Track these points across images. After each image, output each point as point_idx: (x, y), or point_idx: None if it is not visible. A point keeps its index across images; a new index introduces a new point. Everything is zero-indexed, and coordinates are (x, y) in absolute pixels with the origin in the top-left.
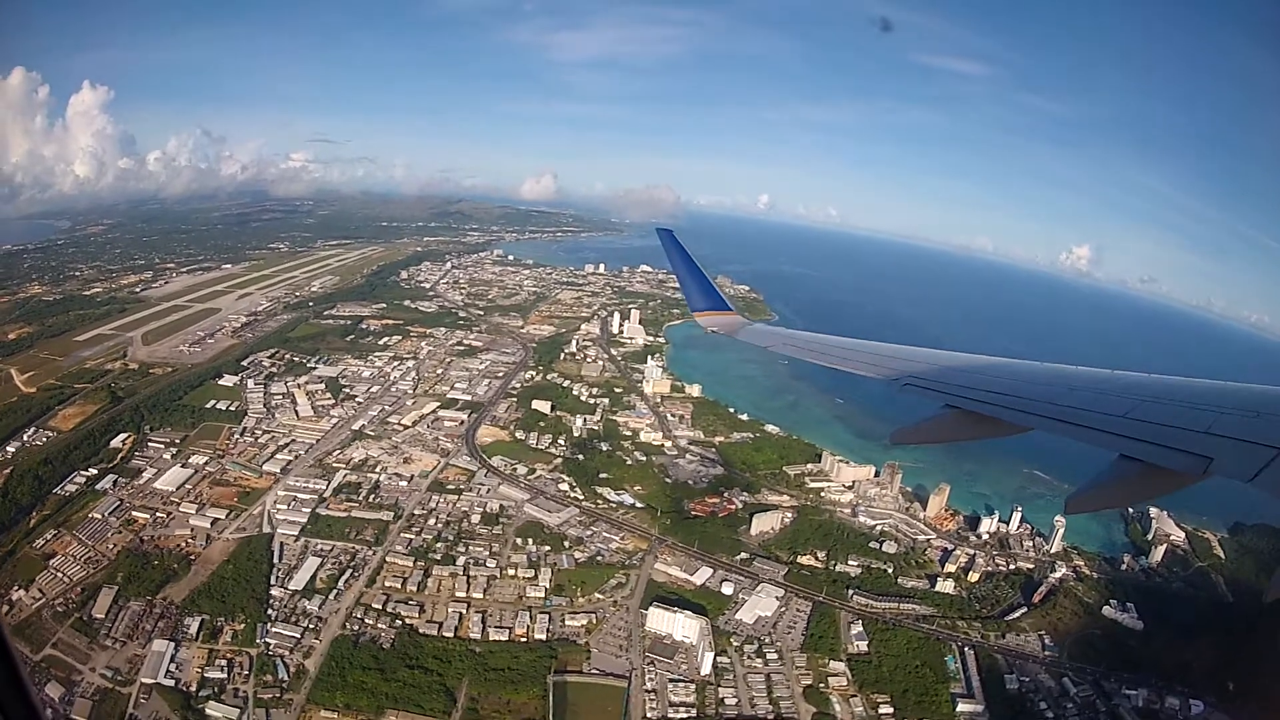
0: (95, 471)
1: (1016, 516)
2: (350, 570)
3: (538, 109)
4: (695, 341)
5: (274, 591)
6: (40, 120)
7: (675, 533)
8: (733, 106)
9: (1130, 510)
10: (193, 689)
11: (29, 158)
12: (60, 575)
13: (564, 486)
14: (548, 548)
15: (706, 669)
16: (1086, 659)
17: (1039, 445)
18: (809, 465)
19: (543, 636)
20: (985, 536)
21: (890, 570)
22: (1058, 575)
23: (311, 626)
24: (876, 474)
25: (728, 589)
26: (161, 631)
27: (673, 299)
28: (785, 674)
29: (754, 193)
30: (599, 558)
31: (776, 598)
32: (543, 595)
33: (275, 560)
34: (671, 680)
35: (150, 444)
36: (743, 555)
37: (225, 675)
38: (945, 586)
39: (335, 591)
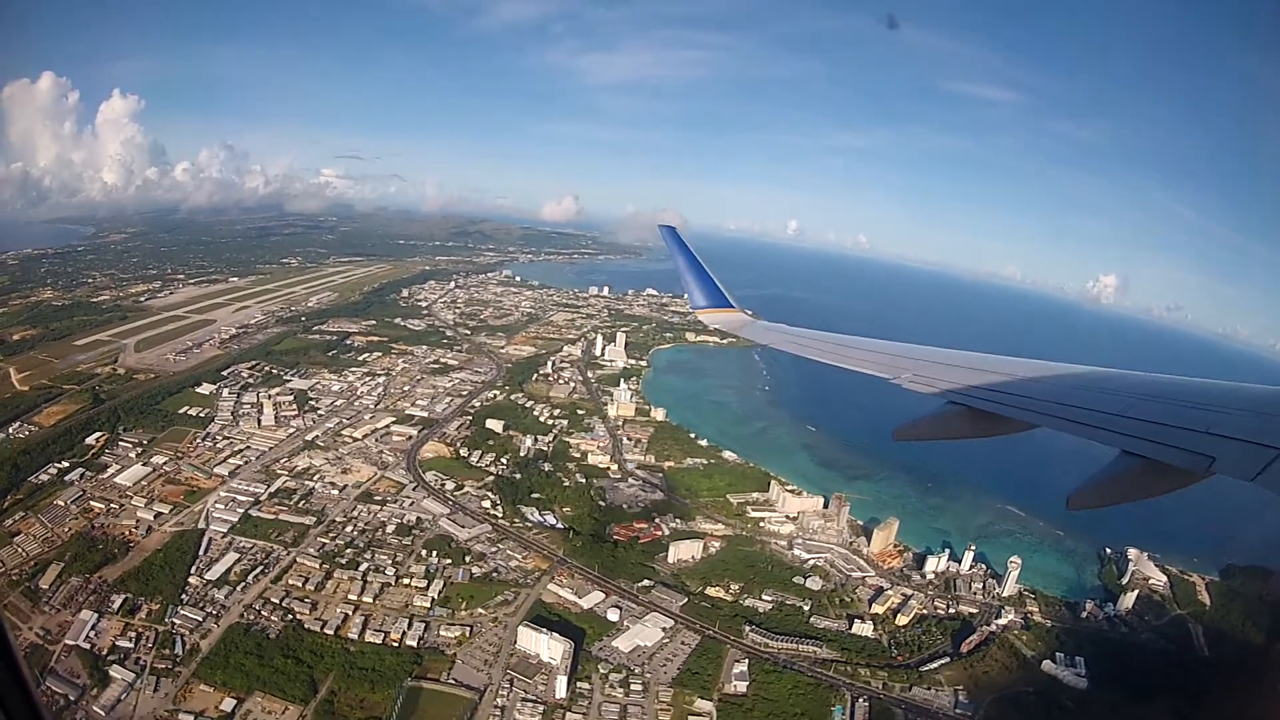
0: (67, 464)
1: (969, 555)
2: (262, 567)
3: (568, 130)
4: (678, 366)
5: (192, 580)
6: (70, 126)
7: (582, 555)
8: (763, 132)
9: (1107, 550)
10: (103, 653)
11: (58, 162)
12: (20, 550)
13: (486, 504)
14: (448, 561)
15: (561, 692)
16: None
17: (1015, 478)
18: (755, 494)
19: (414, 643)
20: (930, 576)
21: (806, 608)
22: (1002, 622)
23: (214, 612)
24: (826, 505)
25: (613, 615)
26: (90, 604)
27: (669, 323)
28: (644, 707)
29: (784, 219)
30: (495, 574)
31: (663, 628)
32: (429, 605)
33: (200, 553)
34: (524, 700)
35: (121, 443)
36: (645, 582)
37: (133, 645)
38: (863, 629)
39: (243, 584)
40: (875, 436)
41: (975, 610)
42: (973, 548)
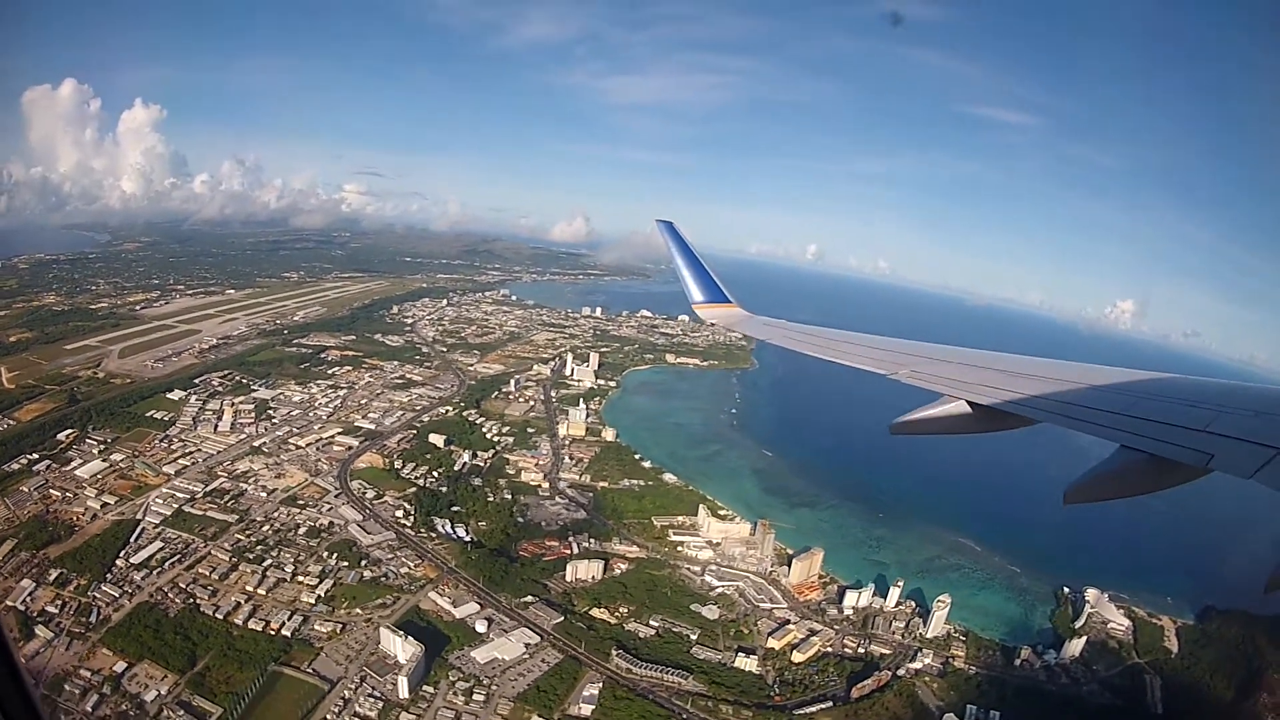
0: (36, 456)
1: (896, 591)
2: (179, 556)
3: (589, 151)
4: (649, 387)
5: (118, 562)
6: (91, 133)
7: (473, 568)
8: (784, 156)
9: (1066, 590)
10: (34, 615)
11: (78, 169)
12: None
13: (400, 513)
14: (345, 563)
15: (404, 693)
16: None
17: (977, 508)
18: (680, 518)
19: (288, 634)
20: (849, 612)
21: (693, 637)
22: (915, 665)
23: (130, 591)
24: (753, 532)
25: (481, 626)
26: (32, 575)
27: (653, 344)
28: (480, 717)
29: (805, 243)
30: (383, 579)
31: (526, 644)
32: (314, 601)
33: (131, 540)
34: (369, 695)
35: (88, 440)
36: (529, 598)
37: (58, 611)
38: (747, 663)
39: (160, 570)
40: (835, 462)
41: (889, 651)
42: (900, 583)
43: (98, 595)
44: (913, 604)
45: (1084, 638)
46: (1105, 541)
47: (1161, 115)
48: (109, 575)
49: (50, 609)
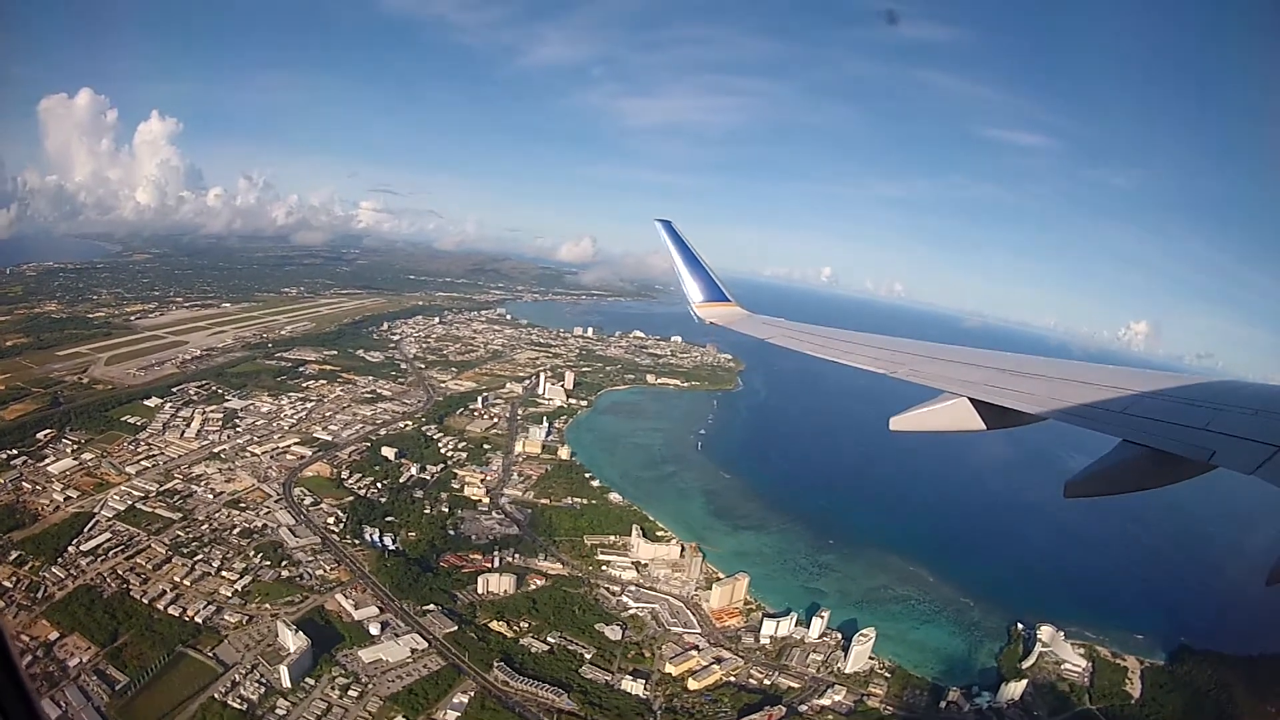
0: (15, 452)
1: (820, 621)
2: (123, 547)
3: (604, 172)
4: (622, 407)
5: (70, 549)
6: (106, 144)
7: (385, 574)
8: (799, 178)
9: (1019, 626)
10: None
11: (93, 179)
12: None
13: (331, 520)
14: (267, 562)
15: (286, 683)
16: None
17: (940, 535)
18: (613, 537)
19: (200, 621)
20: (765, 641)
21: (587, 656)
22: (822, 702)
23: (74, 574)
24: (683, 554)
25: (375, 629)
26: None
27: (637, 364)
28: (349, 710)
29: (821, 266)
30: (298, 579)
31: (413, 649)
32: (229, 595)
33: (85, 530)
34: (256, 681)
35: (64, 440)
36: (430, 606)
37: (12, 586)
38: (633, 687)
39: (103, 558)
40: (798, 485)
41: (798, 685)
42: (825, 613)
43: (47, 575)
44: (839, 636)
45: (1027, 679)
46: (1079, 572)
47: (1177, 137)
48: (60, 559)
49: (6, 584)
